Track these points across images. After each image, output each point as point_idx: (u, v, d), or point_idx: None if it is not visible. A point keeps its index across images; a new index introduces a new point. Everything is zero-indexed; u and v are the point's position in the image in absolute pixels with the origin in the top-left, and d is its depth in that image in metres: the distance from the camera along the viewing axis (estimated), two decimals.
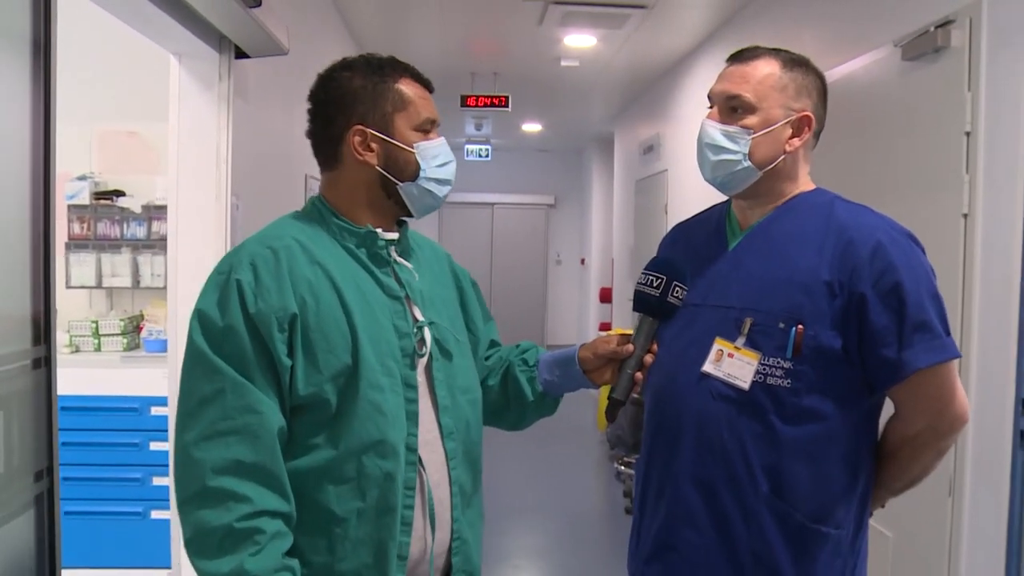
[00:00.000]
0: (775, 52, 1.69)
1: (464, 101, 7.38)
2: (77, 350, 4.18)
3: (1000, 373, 2.73)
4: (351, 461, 1.47)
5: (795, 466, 1.60)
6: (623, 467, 5.88)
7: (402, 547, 1.51)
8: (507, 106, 7.42)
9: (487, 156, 11.00)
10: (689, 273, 1.73)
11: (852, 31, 3.86)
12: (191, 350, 1.46)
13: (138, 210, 4.34)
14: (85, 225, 4.32)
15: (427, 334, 1.60)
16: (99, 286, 4.36)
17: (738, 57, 1.70)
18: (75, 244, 4.29)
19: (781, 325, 1.59)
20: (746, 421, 1.60)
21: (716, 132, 1.68)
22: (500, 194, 13.22)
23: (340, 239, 1.59)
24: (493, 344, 1.88)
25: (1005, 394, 2.70)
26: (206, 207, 3.26)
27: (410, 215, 1.66)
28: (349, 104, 1.58)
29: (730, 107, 1.67)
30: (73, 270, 4.29)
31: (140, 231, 4.32)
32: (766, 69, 1.66)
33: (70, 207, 4.29)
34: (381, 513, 1.49)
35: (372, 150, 1.58)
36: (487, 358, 1.85)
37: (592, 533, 5.33)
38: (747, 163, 1.66)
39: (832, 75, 3.89)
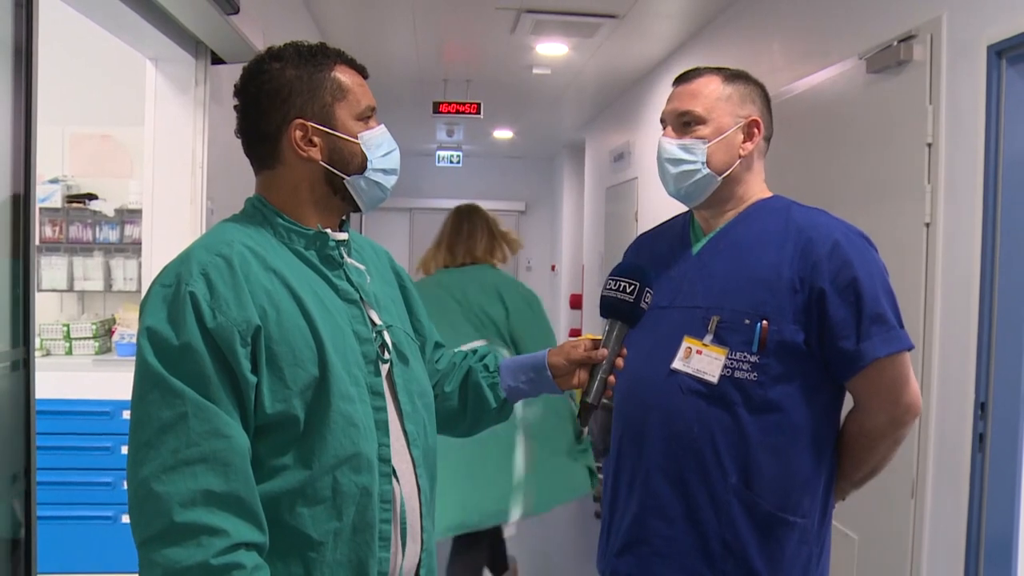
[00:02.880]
0: (716, 70, 1.82)
1: (436, 108, 7.41)
2: (48, 353, 4.15)
3: (960, 378, 2.80)
4: (325, 479, 1.38)
5: (762, 457, 1.68)
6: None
7: (382, 563, 1.44)
8: (479, 113, 7.46)
9: (458, 163, 11.03)
10: (654, 277, 1.75)
11: (819, 44, 3.94)
12: (144, 372, 1.32)
13: (111, 213, 4.32)
14: (57, 228, 4.30)
15: (387, 338, 1.52)
16: (71, 289, 4.34)
17: (683, 78, 1.84)
18: (47, 247, 4.27)
19: (747, 321, 1.68)
20: (715, 413, 1.69)
21: (672, 146, 1.80)
22: (471, 200, 13.22)
23: (288, 242, 1.48)
24: (438, 346, 1.81)
25: (965, 398, 2.78)
26: (181, 211, 3.27)
27: (358, 210, 1.57)
28: (285, 97, 1.45)
29: (683, 123, 1.79)
30: (44, 273, 4.27)
31: (113, 234, 4.31)
32: (710, 85, 1.79)
33: (42, 210, 4.26)
34: (359, 531, 1.41)
35: (315, 144, 1.47)
36: (436, 360, 1.78)
37: (561, 538, 5.37)
38: (706, 170, 1.77)
39: (799, 86, 3.98)
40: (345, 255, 1.53)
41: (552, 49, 6.47)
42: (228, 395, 1.32)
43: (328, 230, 1.50)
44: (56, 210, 4.29)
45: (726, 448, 1.69)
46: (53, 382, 3.92)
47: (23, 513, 2.00)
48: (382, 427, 1.46)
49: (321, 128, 1.47)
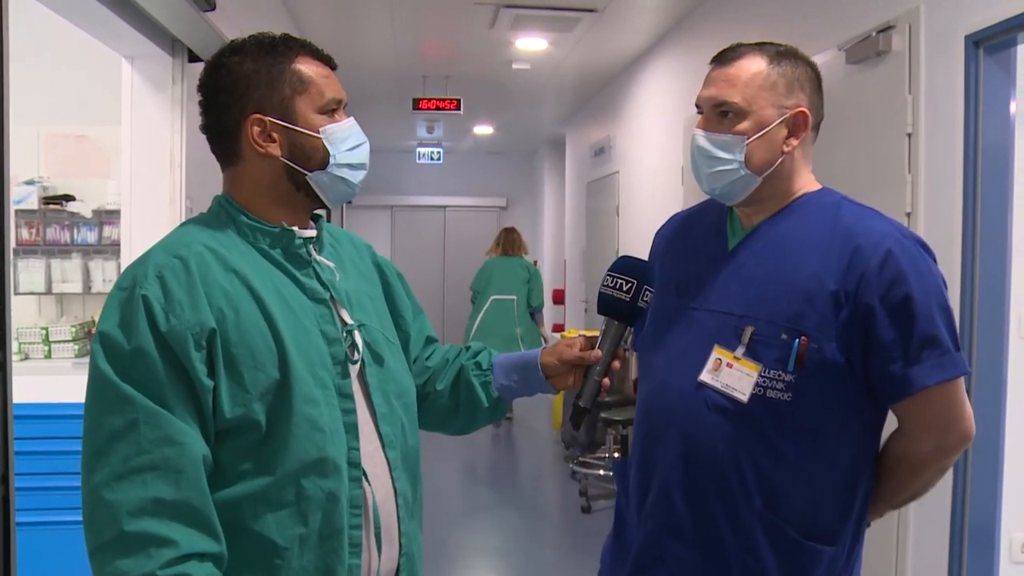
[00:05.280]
0: (759, 47, 1.57)
1: (416, 104, 7.38)
2: (26, 357, 4.10)
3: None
4: (289, 484, 1.33)
5: (791, 481, 1.52)
6: (578, 467, 5.93)
7: (352, 570, 1.39)
8: (459, 109, 7.44)
9: (439, 159, 11.00)
10: (686, 272, 1.64)
11: (798, 35, 3.95)
12: (96, 378, 1.29)
13: (89, 215, 4.27)
14: (34, 230, 4.24)
15: (358, 338, 1.47)
16: (49, 292, 4.28)
17: (721, 58, 1.59)
18: (23, 250, 4.21)
19: (784, 336, 1.49)
20: (743, 434, 1.52)
21: (707, 142, 1.56)
22: (452, 197, 13.22)
23: (252, 240, 1.43)
24: (430, 341, 1.73)
25: None
26: (160, 211, 3.24)
27: (324, 207, 1.51)
28: (242, 92, 1.41)
29: (719, 113, 1.56)
30: (21, 276, 4.21)
31: (91, 236, 4.26)
32: (752, 68, 1.54)
33: (18, 212, 4.20)
34: (326, 537, 1.36)
35: (274, 140, 1.42)
36: (427, 357, 1.72)
37: (547, 532, 5.37)
38: (745, 171, 1.54)
39: None
40: (314, 252, 1.47)
41: (531, 44, 6.46)
42: (183, 400, 1.28)
43: (295, 227, 1.45)
44: (33, 212, 4.23)
45: (752, 471, 1.51)
46: (32, 386, 3.87)
47: (1, 519, 1.97)
48: (351, 430, 1.41)
49: (280, 123, 1.42)
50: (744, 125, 1.53)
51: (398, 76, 7.57)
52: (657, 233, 1.84)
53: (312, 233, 1.49)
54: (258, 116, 1.41)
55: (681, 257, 1.62)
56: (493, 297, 7.54)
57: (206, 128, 1.47)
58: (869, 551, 3.11)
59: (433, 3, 5.65)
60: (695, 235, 1.72)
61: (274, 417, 1.33)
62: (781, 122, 1.55)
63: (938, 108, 2.87)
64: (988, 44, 2.68)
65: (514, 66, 7.11)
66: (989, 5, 2.63)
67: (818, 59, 3.54)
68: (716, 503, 1.53)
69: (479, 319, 7.56)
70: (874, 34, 3.13)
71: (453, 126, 10.41)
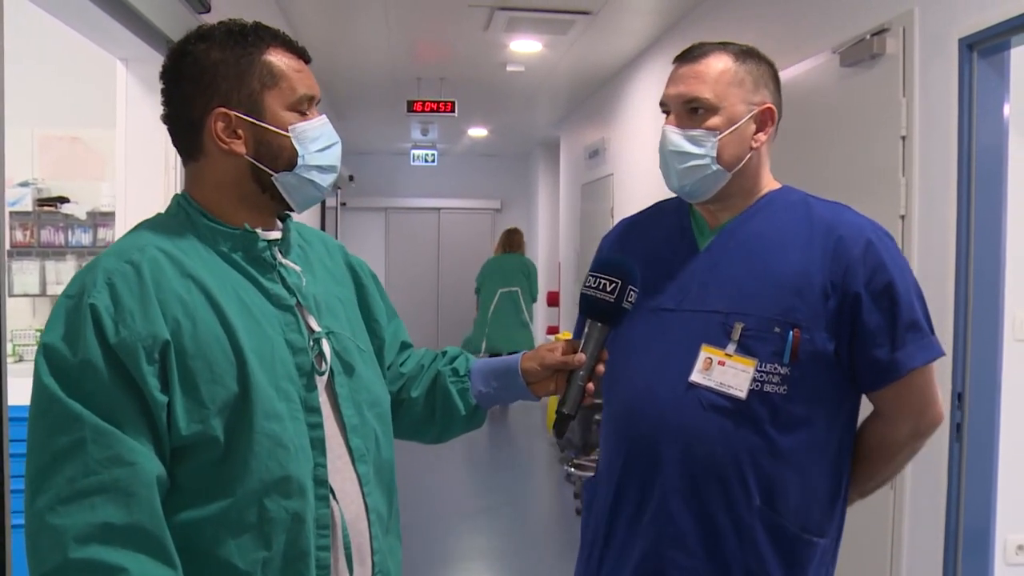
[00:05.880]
0: (723, 46, 1.60)
1: (410, 106, 7.38)
2: (21, 359, 4.10)
3: (937, 368, 2.81)
4: (251, 506, 1.24)
5: (787, 476, 1.53)
6: (573, 468, 5.93)
7: None
8: (453, 111, 7.44)
9: (433, 161, 11.00)
10: (651, 275, 1.60)
11: (793, 38, 3.96)
12: (40, 394, 1.19)
13: (83, 216, 4.28)
14: (28, 232, 4.25)
15: (326, 347, 1.37)
16: (43, 294, 4.29)
17: (687, 56, 1.61)
18: (18, 251, 4.22)
19: (777, 329, 1.51)
20: (741, 432, 1.52)
21: (679, 138, 1.57)
22: (447, 199, 13.22)
23: (213, 244, 1.33)
24: (404, 346, 1.65)
25: (942, 388, 2.75)
26: (154, 213, 3.23)
27: (290, 210, 1.41)
28: (208, 83, 1.31)
29: (689, 110, 1.57)
30: (16, 278, 4.21)
31: (85, 238, 4.26)
32: (720, 65, 1.57)
33: (12, 214, 4.21)
34: (291, 561, 1.28)
35: (239, 136, 1.32)
36: (401, 363, 1.63)
37: (543, 534, 5.38)
38: (716, 166, 1.56)
39: None
40: (279, 255, 1.38)
41: (526, 46, 6.46)
42: (134, 417, 1.19)
43: (258, 229, 1.36)
44: (27, 214, 4.24)
45: (752, 469, 1.51)
46: (27, 388, 3.86)
47: None
48: (318, 446, 1.32)
49: (246, 118, 1.32)
50: (715, 120, 1.56)
51: (392, 78, 7.56)
52: (604, 239, 1.84)
53: (277, 235, 1.39)
54: (223, 110, 1.32)
55: (642, 261, 1.57)
56: (500, 290, 8.56)
57: (167, 118, 1.38)
58: (864, 552, 3.13)
59: (427, 5, 5.65)
60: (654, 238, 1.71)
61: (233, 434, 1.24)
62: (750, 118, 1.58)
63: (932, 111, 2.88)
64: (982, 47, 2.69)
65: (508, 68, 7.11)
66: (983, 8, 2.64)
67: (812, 62, 3.59)
68: (718, 506, 1.53)
69: (492, 309, 8.52)
70: (868, 37, 3.14)
71: (448, 128, 10.41)
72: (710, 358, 1.54)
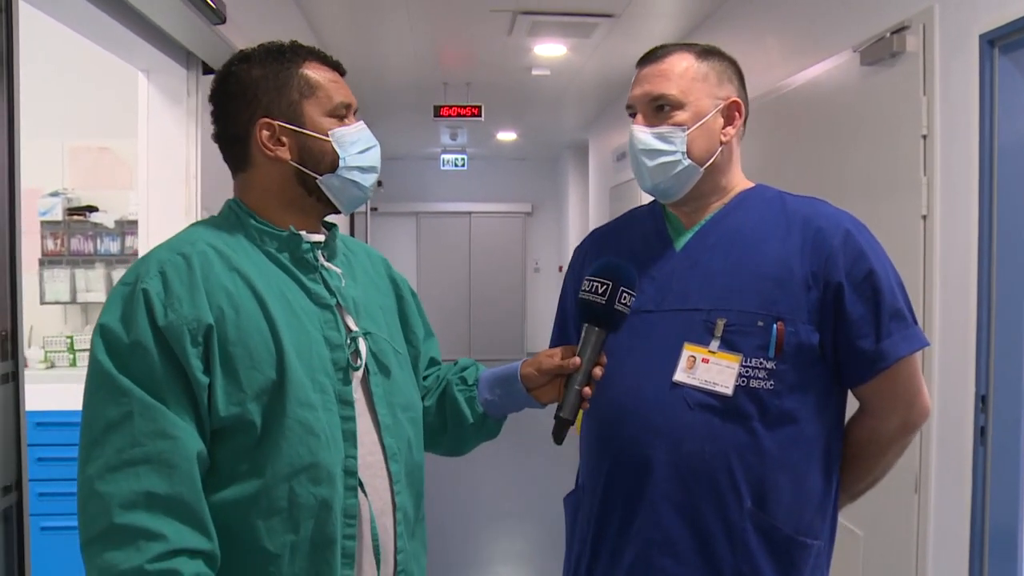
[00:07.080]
0: (685, 46, 1.62)
1: (437, 111, 7.42)
2: (52, 366, 4.17)
3: (960, 371, 2.78)
4: (280, 489, 1.32)
5: (779, 475, 1.51)
6: None
7: None
8: (480, 116, 7.47)
9: (463, 165, 11.04)
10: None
11: (813, 38, 3.93)
12: (94, 370, 1.29)
13: (111, 225, 4.34)
14: (59, 241, 4.31)
15: (362, 345, 1.45)
16: (73, 301, 4.35)
17: (650, 57, 1.62)
18: (49, 260, 4.29)
19: (760, 323, 1.50)
20: (729, 429, 1.50)
21: (648, 136, 1.58)
22: (477, 203, 13.25)
23: (260, 243, 1.43)
24: (433, 363, 1.70)
25: (966, 391, 2.76)
26: (176, 221, 3.27)
27: (336, 211, 1.50)
28: (251, 97, 1.43)
29: (655, 108, 1.58)
30: (47, 286, 4.29)
31: (114, 246, 4.32)
32: (682, 63, 1.59)
33: (43, 223, 4.28)
34: (318, 547, 1.34)
35: (283, 144, 1.43)
36: (426, 377, 1.68)
37: (536, 533, 5.36)
38: (687, 161, 1.57)
39: (794, 81, 3.96)
40: (322, 258, 1.47)
41: (550, 50, 6.46)
42: (179, 395, 1.28)
43: (303, 232, 1.45)
44: (57, 223, 4.31)
45: (741, 468, 1.50)
46: (58, 394, 3.93)
47: (15, 524, 2.00)
48: (350, 438, 1.39)
49: (288, 127, 1.43)
50: (682, 116, 1.57)
51: (418, 84, 7.60)
52: (577, 249, 1.83)
53: (320, 238, 1.49)
54: (267, 120, 1.42)
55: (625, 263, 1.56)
56: None
57: (217, 137, 1.49)
58: (889, 555, 3.09)
59: (449, 11, 5.67)
60: (629, 242, 1.70)
61: (269, 419, 1.32)
62: (717, 112, 1.59)
63: (953, 109, 2.84)
64: (1003, 43, 2.65)
65: (534, 72, 7.12)
66: (1003, 4, 2.60)
67: (832, 61, 3.56)
68: (708, 509, 1.51)
69: None
70: (888, 35, 3.10)
71: (476, 132, 10.44)
72: (693, 356, 1.53)
